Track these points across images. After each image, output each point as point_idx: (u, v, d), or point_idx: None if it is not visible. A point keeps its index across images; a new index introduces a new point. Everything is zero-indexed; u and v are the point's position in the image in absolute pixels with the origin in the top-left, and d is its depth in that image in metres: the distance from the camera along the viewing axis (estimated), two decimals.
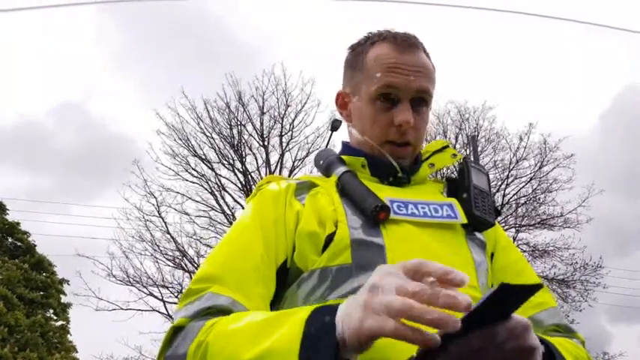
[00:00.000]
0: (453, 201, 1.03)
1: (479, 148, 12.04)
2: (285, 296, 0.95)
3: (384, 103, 1.04)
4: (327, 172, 1.09)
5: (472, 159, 1.19)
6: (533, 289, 0.64)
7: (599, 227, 11.70)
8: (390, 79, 1.03)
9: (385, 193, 1.00)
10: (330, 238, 0.93)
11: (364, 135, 1.07)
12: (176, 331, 0.85)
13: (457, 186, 1.09)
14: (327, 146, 1.18)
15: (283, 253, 0.95)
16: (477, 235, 1.03)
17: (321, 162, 1.12)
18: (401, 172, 1.06)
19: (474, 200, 1.04)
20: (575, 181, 12.18)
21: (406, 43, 1.06)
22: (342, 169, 1.05)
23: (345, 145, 1.15)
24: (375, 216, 0.94)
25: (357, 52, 1.11)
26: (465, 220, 1.00)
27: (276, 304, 0.94)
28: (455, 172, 1.14)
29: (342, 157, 1.10)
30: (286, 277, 0.95)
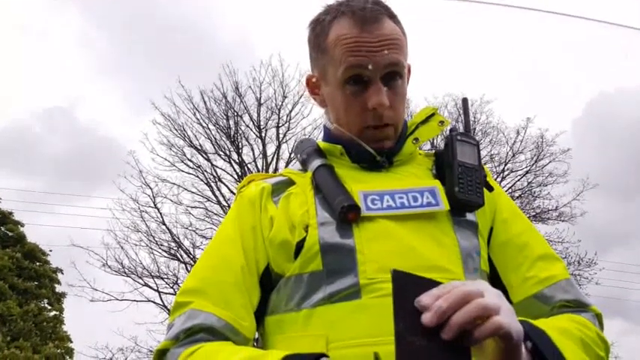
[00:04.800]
0: (436, 184, 0.97)
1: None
2: (270, 301, 0.96)
3: (354, 87, 0.98)
4: (304, 165, 1.05)
5: (463, 125, 1.11)
6: (431, 283, 0.68)
7: (578, 226, 11.97)
8: (354, 61, 0.96)
9: (362, 183, 0.97)
10: (300, 245, 0.92)
11: (340, 123, 1.03)
12: (160, 356, 0.90)
13: (443, 164, 1.02)
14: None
15: (264, 259, 0.96)
16: (468, 216, 0.97)
17: (299, 155, 1.08)
18: (379, 157, 1.01)
19: (457, 181, 0.96)
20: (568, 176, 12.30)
21: (368, 17, 0.97)
22: (317, 163, 1.01)
23: (325, 130, 1.10)
24: (344, 217, 0.91)
25: (318, 31, 1.03)
26: (447, 207, 0.93)
27: (262, 308, 0.96)
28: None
29: (322, 144, 1.06)
30: (271, 281, 0.96)
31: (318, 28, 1.04)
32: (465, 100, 1.19)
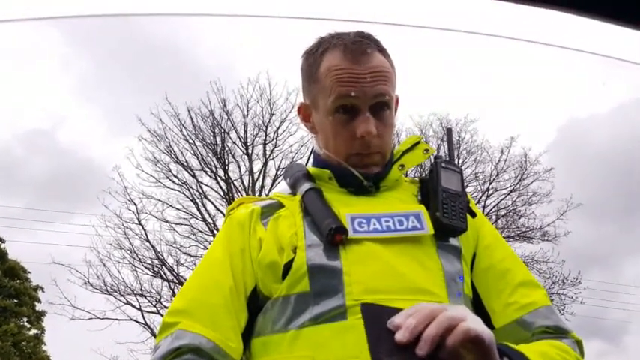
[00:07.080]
0: (421, 209, 0.99)
1: (460, 161, 12.19)
2: (256, 323, 0.97)
3: (344, 116, 1.02)
4: (293, 189, 1.07)
5: (447, 153, 1.18)
6: (398, 311, 0.73)
7: (560, 245, 12.14)
8: (344, 91, 1.00)
9: (350, 207, 0.99)
10: (288, 266, 0.93)
11: (328, 149, 1.06)
12: None
13: (427, 190, 1.06)
14: (309, 157, 1.17)
15: (252, 281, 0.97)
16: (451, 241, 0.99)
17: (288, 179, 1.11)
18: (366, 182, 1.04)
19: (442, 207, 0.99)
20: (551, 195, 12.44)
21: (358, 50, 1.02)
22: (305, 187, 1.03)
23: (315, 156, 1.12)
24: (331, 239, 0.93)
25: (310, 62, 1.07)
26: (431, 231, 0.96)
27: (248, 331, 0.97)
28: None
29: (311, 169, 1.09)
30: (258, 303, 0.97)
31: (311, 59, 1.07)
32: (449, 130, 1.25)
